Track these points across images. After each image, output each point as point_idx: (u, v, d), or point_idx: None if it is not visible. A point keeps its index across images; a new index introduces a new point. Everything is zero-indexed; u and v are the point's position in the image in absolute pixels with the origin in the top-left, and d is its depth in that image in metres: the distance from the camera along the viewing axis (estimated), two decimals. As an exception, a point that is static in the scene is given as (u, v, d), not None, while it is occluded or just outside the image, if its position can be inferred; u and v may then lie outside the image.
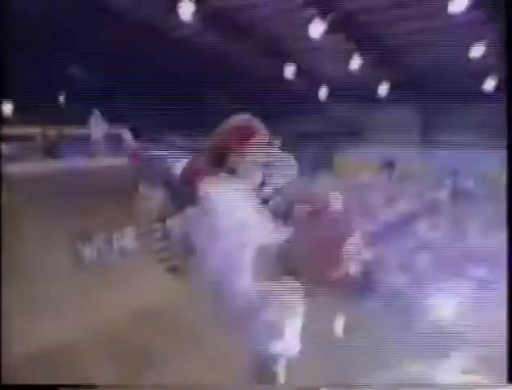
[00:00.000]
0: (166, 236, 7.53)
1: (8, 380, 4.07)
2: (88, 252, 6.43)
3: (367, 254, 7.98)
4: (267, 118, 2.42)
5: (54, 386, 1.72)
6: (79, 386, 1.91)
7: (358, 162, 18.73)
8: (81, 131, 7.60)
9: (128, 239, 7.01)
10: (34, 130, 7.02)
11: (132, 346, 4.88)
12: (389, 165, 18.45)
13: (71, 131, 7.61)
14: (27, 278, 5.39)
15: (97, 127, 7.62)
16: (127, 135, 7.94)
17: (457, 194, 14.73)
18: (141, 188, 7.97)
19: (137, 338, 5.04)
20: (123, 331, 5.09)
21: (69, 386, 1.92)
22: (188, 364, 4.44)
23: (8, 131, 6.87)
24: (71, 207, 6.12)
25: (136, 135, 7.98)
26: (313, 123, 22.78)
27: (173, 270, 7.61)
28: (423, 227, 9.87)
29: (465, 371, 2.44)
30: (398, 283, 6.63)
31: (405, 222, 10.94)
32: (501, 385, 1.47)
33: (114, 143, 7.87)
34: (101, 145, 7.60)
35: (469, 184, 15.20)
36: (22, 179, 5.61)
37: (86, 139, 7.60)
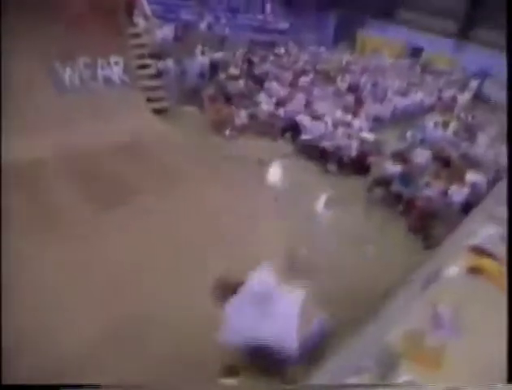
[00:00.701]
0: (159, 74, 6.94)
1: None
2: (69, 74, 5.74)
3: (369, 135, 7.75)
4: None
5: (56, 386, 1.77)
6: (81, 386, 2.06)
7: (383, 42, 17.00)
8: None
9: (115, 69, 6.29)
10: None
11: (108, 178, 4.75)
12: (416, 51, 16.80)
13: None
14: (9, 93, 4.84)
15: None
16: None
17: (480, 99, 13.78)
18: (137, 17, 7.01)
19: (114, 171, 4.86)
20: (101, 162, 4.91)
21: (71, 386, 2.00)
22: (164, 201, 4.46)
23: None
24: (49, 19, 5.25)
25: None
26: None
27: (161, 111, 7.16)
28: (431, 124, 9.41)
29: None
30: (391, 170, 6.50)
31: (416, 114, 10.45)
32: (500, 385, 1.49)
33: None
34: None
35: (496, 91, 13.82)
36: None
37: None
